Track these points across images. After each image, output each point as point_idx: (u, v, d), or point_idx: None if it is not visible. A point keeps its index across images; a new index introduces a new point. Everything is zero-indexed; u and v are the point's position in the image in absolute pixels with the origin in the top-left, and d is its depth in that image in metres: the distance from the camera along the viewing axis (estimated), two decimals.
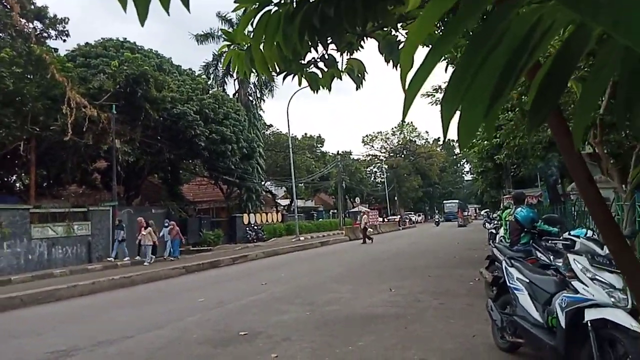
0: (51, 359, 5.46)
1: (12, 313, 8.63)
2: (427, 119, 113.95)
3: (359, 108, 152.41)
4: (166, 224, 19.36)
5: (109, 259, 17.62)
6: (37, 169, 19.35)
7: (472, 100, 0.56)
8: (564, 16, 0.53)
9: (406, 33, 2.37)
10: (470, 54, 0.54)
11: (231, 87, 33.54)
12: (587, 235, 3.92)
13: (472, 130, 0.58)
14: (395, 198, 68.26)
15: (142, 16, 1.30)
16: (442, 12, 0.52)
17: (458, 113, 0.57)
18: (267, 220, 32.31)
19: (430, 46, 0.59)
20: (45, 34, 20.16)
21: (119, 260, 17.48)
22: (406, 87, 0.56)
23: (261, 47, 2.13)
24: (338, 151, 49.95)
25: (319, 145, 54.56)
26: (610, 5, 0.42)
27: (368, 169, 71.10)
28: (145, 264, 16.86)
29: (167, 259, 18.33)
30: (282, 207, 43.84)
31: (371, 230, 27.61)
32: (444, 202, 77.82)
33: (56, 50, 20.83)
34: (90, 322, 7.43)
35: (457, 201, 75.10)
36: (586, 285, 3.56)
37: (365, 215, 27.47)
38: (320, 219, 45.22)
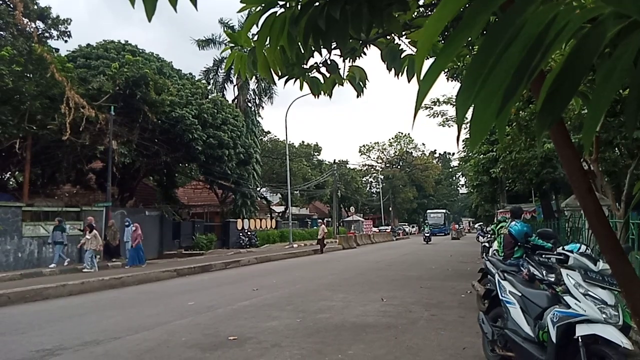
0: (36, 357, 5.38)
1: None
2: (423, 131, 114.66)
3: (357, 118, 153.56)
4: (127, 223, 17.31)
5: (50, 266, 15.27)
6: (32, 167, 19.23)
7: (486, 97, 0.55)
8: (579, 16, 0.53)
9: (409, 42, 2.38)
10: (485, 50, 0.54)
11: (230, 93, 33.63)
12: (581, 250, 3.91)
13: (485, 127, 0.58)
14: (390, 209, 68.22)
15: (150, 11, 1.30)
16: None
17: (471, 111, 0.58)
18: (260, 227, 32.22)
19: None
20: (47, 34, 20.18)
21: (59, 266, 15.30)
22: (421, 77, 0.56)
23: (264, 51, 2.14)
24: (334, 160, 50.11)
25: (315, 154, 54.70)
26: None
27: (364, 179, 71.07)
28: (84, 270, 14.77)
29: (126, 267, 16.06)
30: (276, 213, 43.75)
31: (328, 240, 27.78)
32: (428, 211, 65.90)
33: (57, 50, 20.87)
34: (77, 322, 7.33)
35: (443, 211, 66.48)
36: (578, 301, 3.55)
37: (323, 226, 27.54)
38: (315, 227, 45.17)
